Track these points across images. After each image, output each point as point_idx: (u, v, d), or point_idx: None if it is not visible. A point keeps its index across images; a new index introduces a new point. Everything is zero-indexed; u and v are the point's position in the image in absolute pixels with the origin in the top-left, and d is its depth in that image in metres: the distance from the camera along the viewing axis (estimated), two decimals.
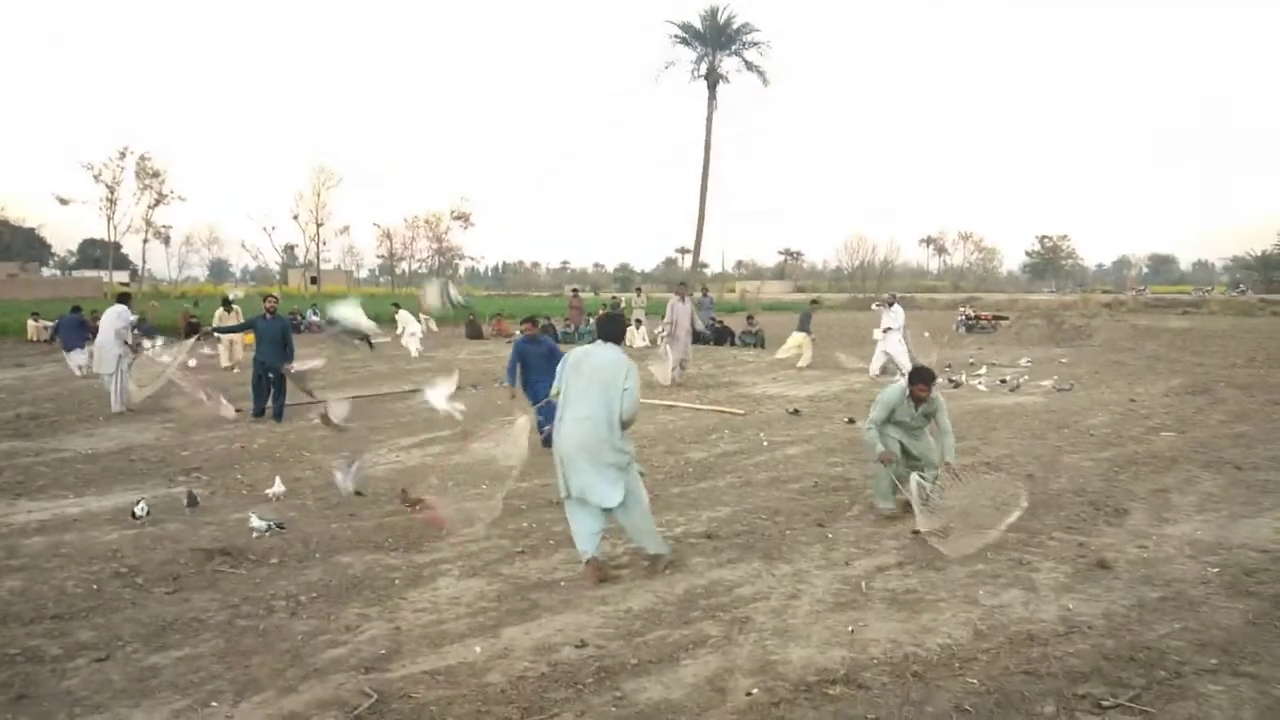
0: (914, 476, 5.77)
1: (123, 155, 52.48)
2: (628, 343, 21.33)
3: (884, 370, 15.04)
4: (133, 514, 6.07)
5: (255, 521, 5.81)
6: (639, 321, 23.24)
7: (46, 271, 76.04)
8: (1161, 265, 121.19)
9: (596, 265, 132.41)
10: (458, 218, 75.96)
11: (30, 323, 23.94)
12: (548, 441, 7.99)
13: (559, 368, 5.16)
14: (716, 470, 7.73)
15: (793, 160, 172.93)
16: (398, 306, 22.98)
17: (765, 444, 8.93)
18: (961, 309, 32.59)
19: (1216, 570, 5.04)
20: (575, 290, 34.94)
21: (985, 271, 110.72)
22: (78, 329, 16.26)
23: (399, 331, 21.14)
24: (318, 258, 72.74)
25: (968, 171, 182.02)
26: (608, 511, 4.92)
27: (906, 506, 5.88)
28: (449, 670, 3.75)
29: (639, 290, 28.40)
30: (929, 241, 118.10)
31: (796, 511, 6.29)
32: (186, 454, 8.43)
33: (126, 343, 10.94)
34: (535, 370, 8.58)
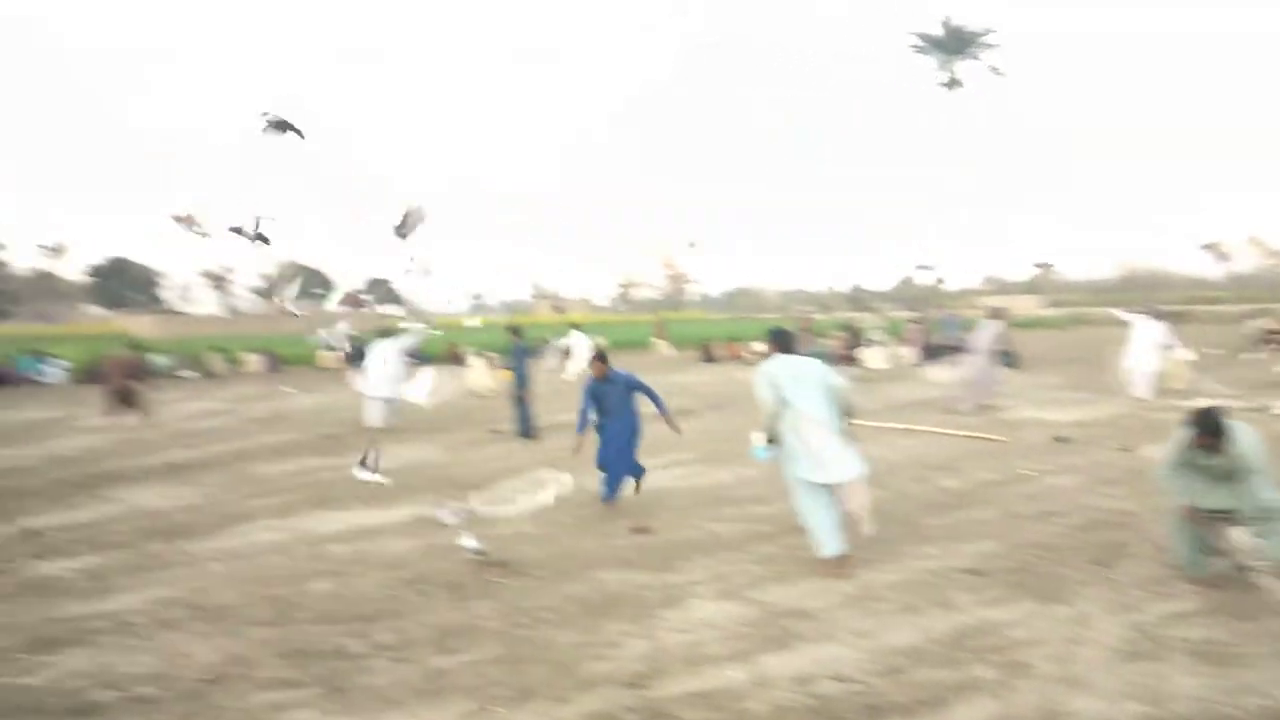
0: (1239, 533, 4.87)
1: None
2: (865, 363, 20.80)
3: (1157, 391, 13.46)
4: (443, 521, 6.30)
5: (466, 542, 5.82)
6: (874, 341, 22.52)
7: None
8: None
9: (829, 287, 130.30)
10: (689, 245, 78.03)
11: (322, 352, 26.85)
12: (610, 494, 7.53)
13: (765, 384, 5.53)
14: (974, 500, 7.27)
15: (1042, 164, 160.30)
16: (577, 327, 22.25)
17: (1029, 473, 8.30)
18: (1257, 322, 28.62)
19: None
20: (807, 314, 34.54)
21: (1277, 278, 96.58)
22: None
23: (565, 352, 20.50)
24: (561, 290, 77.54)
25: (1250, 166, 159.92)
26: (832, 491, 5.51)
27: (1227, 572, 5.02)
28: (710, 694, 3.78)
29: (875, 310, 27.53)
30: (1209, 247, 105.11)
31: (1071, 548, 5.77)
32: (461, 471, 9.18)
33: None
34: (610, 414, 7.59)
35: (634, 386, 7.74)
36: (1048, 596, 4.86)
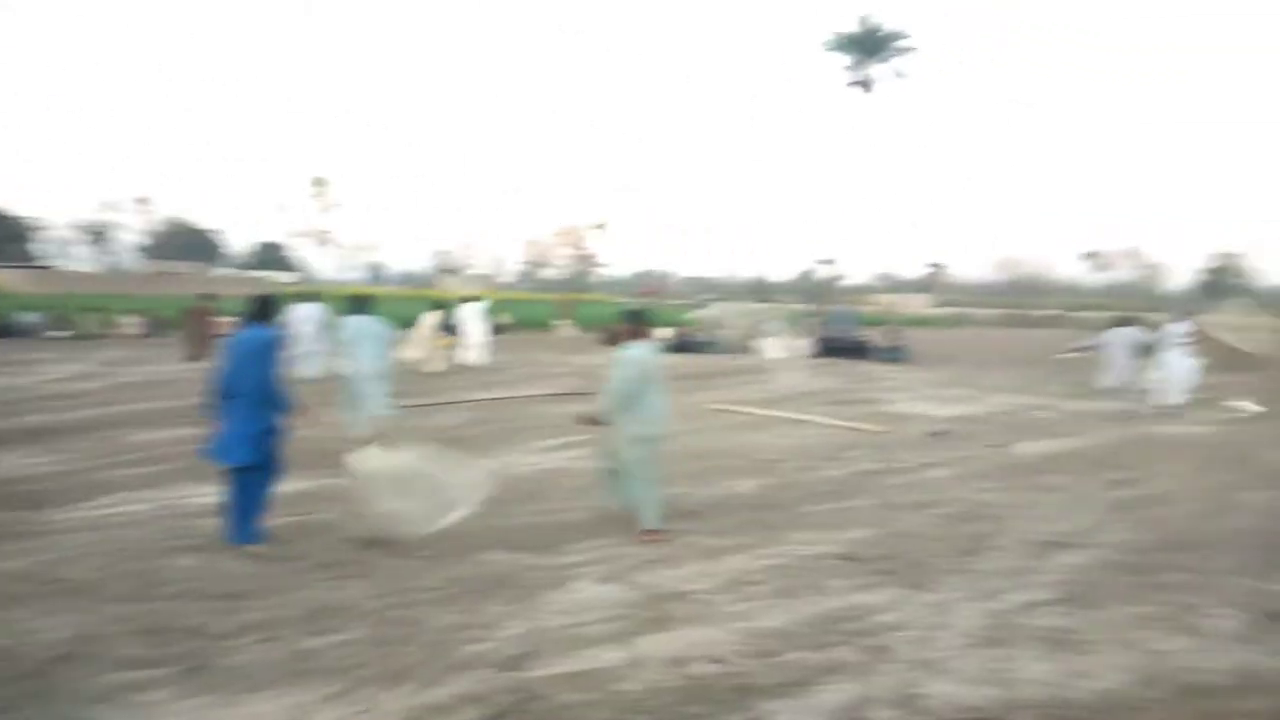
0: None
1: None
2: (766, 354, 21.05)
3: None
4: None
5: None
6: (771, 332, 22.93)
7: (218, 270, 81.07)
8: None
9: (730, 275, 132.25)
10: (596, 227, 78.43)
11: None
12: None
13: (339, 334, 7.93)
14: (854, 490, 7.52)
15: (940, 169, 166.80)
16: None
17: (907, 465, 8.64)
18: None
19: None
20: (705, 300, 34.98)
21: (1151, 288, 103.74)
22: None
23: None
24: (465, 265, 76.82)
25: (1130, 182, 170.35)
26: None
27: None
28: (586, 674, 3.80)
29: (774, 300, 28.05)
30: (1090, 256, 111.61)
31: (941, 538, 6.05)
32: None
33: None
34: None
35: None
36: (915, 583, 5.08)
